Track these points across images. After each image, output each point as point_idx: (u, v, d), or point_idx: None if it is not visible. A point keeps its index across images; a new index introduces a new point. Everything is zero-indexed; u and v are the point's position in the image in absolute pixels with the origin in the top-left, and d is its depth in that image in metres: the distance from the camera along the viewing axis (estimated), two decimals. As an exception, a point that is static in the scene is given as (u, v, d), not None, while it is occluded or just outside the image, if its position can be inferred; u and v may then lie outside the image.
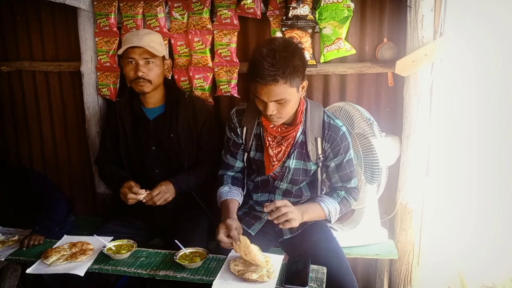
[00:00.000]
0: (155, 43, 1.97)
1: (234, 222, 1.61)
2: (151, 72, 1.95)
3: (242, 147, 1.88)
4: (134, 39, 1.93)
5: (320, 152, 1.78)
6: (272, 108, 1.60)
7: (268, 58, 1.52)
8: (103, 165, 2.14)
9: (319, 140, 1.76)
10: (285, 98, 1.57)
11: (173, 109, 2.04)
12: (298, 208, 1.64)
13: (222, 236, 1.55)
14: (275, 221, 1.55)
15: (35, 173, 2.36)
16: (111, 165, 2.10)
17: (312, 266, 1.51)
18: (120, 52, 1.97)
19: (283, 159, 1.78)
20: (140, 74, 1.92)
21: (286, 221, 1.55)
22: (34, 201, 2.10)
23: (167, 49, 2.27)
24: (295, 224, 1.58)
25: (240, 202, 1.84)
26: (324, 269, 1.51)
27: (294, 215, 1.56)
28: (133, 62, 1.94)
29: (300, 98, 1.71)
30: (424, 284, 2.22)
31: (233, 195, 1.80)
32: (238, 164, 1.91)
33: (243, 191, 1.90)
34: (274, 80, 1.52)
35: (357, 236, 2.09)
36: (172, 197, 1.91)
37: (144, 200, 1.86)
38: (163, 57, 2.05)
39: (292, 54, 1.55)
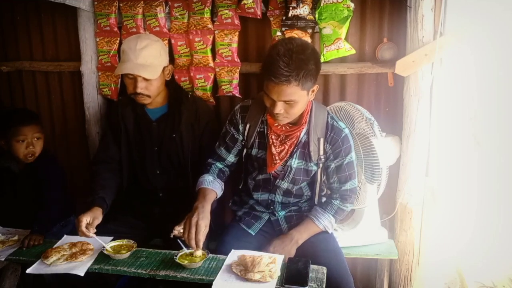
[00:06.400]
0: (153, 57, 1.90)
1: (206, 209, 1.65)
2: (151, 86, 1.92)
3: (242, 143, 1.88)
4: (131, 56, 1.87)
5: (322, 153, 1.78)
6: (279, 107, 1.60)
7: (285, 58, 1.52)
8: (97, 169, 2.05)
9: (321, 140, 1.77)
10: (294, 100, 1.58)
11: (176, 109, 2.03)
12: (289, 237, 1.77)
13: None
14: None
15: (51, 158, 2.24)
16: (104, 173, 2.02)
17: (312, 266, 1.51)
18: (115, 74, 1.93)
19: (285, 158, 1.79)
20: (138, 90, 1.89)
21: None
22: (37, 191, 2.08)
23: (167, 49, 2.26)
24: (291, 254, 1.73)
25: (218, 196, 1.80)
26: (324, 269, 1.51)
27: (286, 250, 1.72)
28: (132, 78, 1.89)
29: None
30: (424, 284, 2.22)
31: (214, 187, 1.77)
32: (230, 159, 1.91)
33: (223, 186, 1.85)
34: (287, 81, 1.52)
35: (357, 236, 2.09)
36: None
37: None
38: (164, 66, 1.98)
39: (309, 57, 1.55)
